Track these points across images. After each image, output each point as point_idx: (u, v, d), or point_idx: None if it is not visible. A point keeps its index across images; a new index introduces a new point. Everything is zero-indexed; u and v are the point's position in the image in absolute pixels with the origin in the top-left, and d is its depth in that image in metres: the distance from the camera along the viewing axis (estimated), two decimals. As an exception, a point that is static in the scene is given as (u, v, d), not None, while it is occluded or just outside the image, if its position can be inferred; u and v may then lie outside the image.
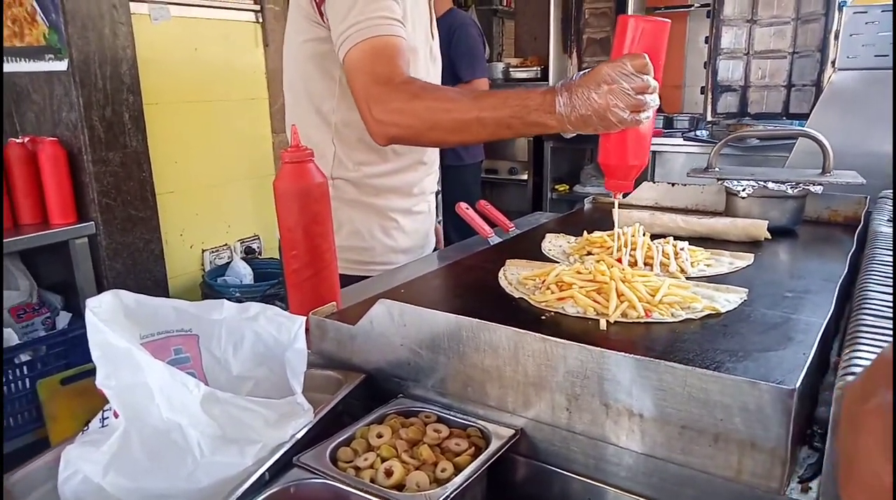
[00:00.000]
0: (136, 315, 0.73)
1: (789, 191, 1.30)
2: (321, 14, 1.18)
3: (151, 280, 2.64)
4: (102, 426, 0.69)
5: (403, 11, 1.19)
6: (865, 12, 1.90)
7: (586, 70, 0.95)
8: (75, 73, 2.31)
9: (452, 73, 3.23)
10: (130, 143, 2.52)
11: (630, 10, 4.28)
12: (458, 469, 0.64)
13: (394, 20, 1.12)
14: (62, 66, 2.33)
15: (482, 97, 1.05)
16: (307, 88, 1.29)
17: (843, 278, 0.92)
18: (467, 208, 1.41)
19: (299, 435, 0.68)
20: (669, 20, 0.95)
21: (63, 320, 2.50)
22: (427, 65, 1.35)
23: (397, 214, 1.39)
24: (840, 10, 3.44)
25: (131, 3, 2.47)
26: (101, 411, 0.72)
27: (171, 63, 2.76)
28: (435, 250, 1.56)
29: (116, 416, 0.67)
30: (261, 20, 3.05)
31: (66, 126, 2.40)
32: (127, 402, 0.64)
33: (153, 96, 2.66)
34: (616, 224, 1.10)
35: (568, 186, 4.57)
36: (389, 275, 1.22)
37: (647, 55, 0.91)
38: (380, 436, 0.69)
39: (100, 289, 2.44)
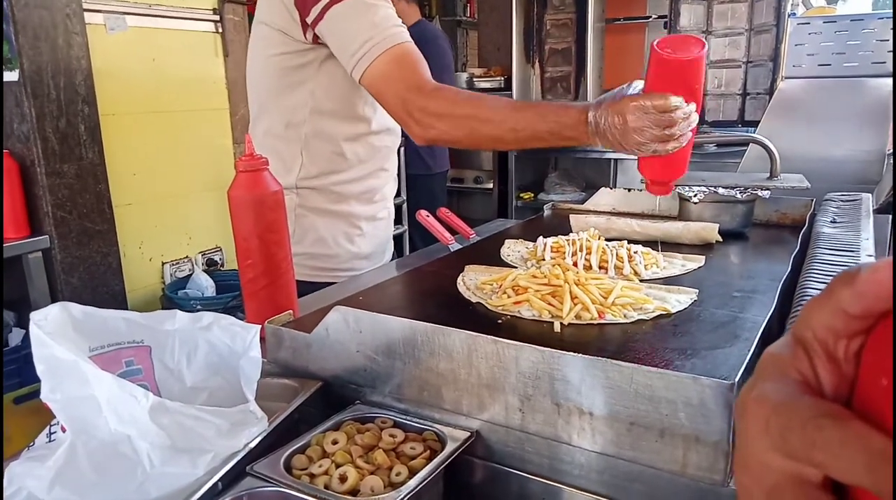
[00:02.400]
0: (84, 328, 0.71)
1: (738, 196, 1.34)
2: (304, 28, 1.18)
3: (109, 294, 2.58)
4: (49, 441, 0.68)
5: None
6: (808, 23, 1.98)
7: (618, 91, 0.99)
8: (27, 83, 2.26)
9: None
10: (86, 154, 2.46)
11: (590, 22, 4.37)
12: (413, 473, 0.64)
13: (401, 27, 1.16)
14: (13, 76, 2.27)
15: (520, 110, 1.08)
16: (277, 101, 1.30)
17: (786, 277, 0.95)
18: (427, 216, 1.42)
19: (253, 444, 0.67)
20: (703, 44, 0.95)
21: (16, 337, 2.42)
22: None
23: (361, 221, 1.40)
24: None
25: (86, 13, 2.42)
26: (48, 426, 0.70)
27: (128, 74, 2.71)
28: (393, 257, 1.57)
29: (64, 430, 0.66)
30: (220, 30, 3.03)
31: (18, 138, 2.34)
32: (73, 415, 0.62)
33: (110, 107, 2.61)
34: (658, 207, 1.19)
35: (532, 194, 4.62)
36: (349, 282, 1.22)
37: (670, 96, 0.93)
38: (335, 442, 0.69)
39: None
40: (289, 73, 1.26)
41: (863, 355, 0.26)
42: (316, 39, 1.20)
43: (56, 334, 0.66)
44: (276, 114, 1.31)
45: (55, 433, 0.69)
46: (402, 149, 3.90)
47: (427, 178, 3.75)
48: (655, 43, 0.97)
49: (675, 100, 0.94)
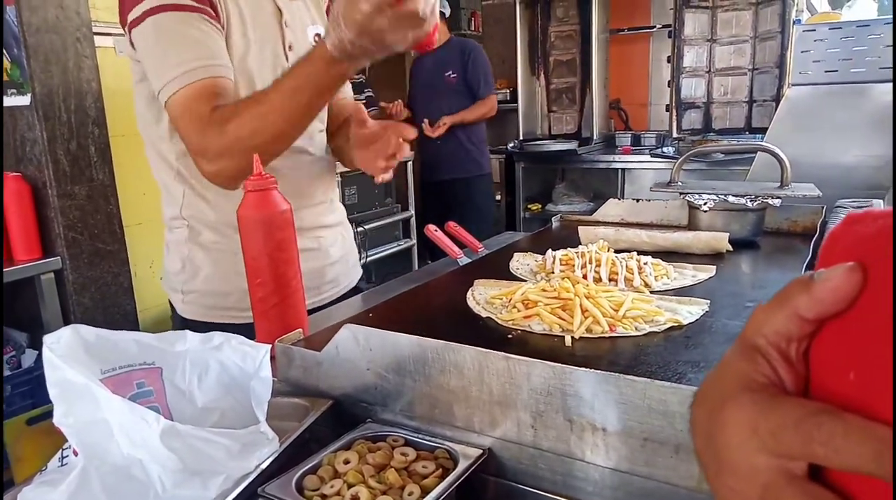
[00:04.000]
0: (96, 350, 0.72)
1: (749, 204, 1.33)
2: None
3: (121, 314, 2.60)
4: (62, 465, 0.68)
5: (246, 48, 1.13)
6: (814, 30, 1.97)
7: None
8: (38, 107, 2.29)
9: (470, 93, 3.81)
10: (97, 175, 2.49)
11: (594, 34, 4.39)
12: (425, 492, 0.64)
13: (197, 60, 1.03)
14: (25, 100, 2.30)
15: (277, 85, 0.99)
16: (145, 130, 1.23)
17: (799, 286, 0.94)
18: (436, 230, 1.42)
19: (264, 465, 0.67)
20: None
21: (29, 358, 2.44)
22: None
23: None
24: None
25: (96, 37, 2.46)
26: (60, 450, 0.70)
27: (137, 95, 2.75)
28: (358, 289, 1.42)
29: (76, 454, 0.66)
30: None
31: (30, 161, 2.37)
32: (85, 439, 0.62)
33: (120, 128, 2.64)
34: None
35: (540, 205, 4.62)
36: (357, 300, 1.21)
37: None
38: (346, 462, 0.69)
39: (67, 325, 2.38)
40: (147, 102, 1.18)
41: (811, 354, 0.30)
42: None
43: (68, 357, 0.66)
44: (148, 143, 1.24)
45: (67, 456, 0.69)
46: (423, 156, 3.91)
47: (478, 179, 3.87)
48: None
49: None
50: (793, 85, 2.00)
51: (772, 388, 0.29)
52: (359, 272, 1.45)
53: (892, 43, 1.90)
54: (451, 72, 3.81)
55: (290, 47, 1.22)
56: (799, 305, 0.29)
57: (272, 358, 0.80)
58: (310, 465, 0.69)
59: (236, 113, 1.00)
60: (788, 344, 0.30)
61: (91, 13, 2.44)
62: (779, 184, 1.54)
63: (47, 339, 0.66)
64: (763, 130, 3.88)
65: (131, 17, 1.05)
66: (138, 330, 0.80)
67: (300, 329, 0.92)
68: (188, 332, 0.77)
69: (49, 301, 2.36)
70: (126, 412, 0.62)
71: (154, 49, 1.05)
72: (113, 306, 2.57)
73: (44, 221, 2.39)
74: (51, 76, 2.32)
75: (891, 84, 1.89)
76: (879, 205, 1.42)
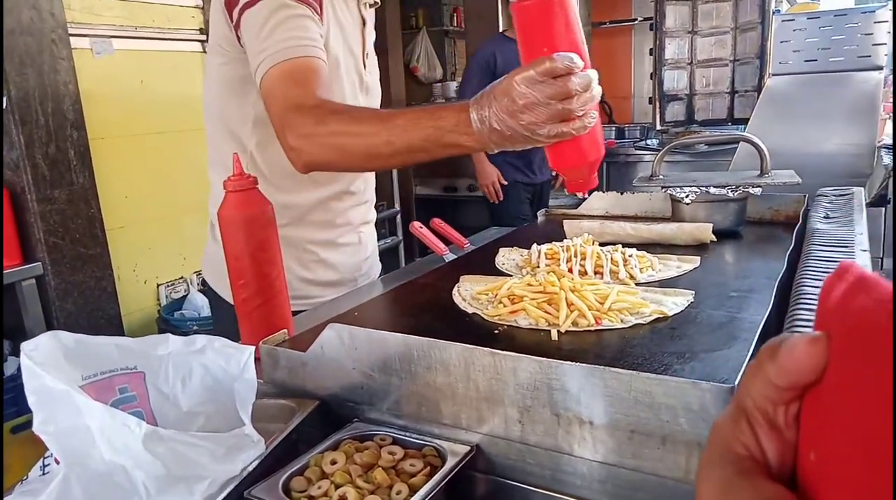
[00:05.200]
0: (76, 356, 0.71)
1: (730, 194, 1.34)
2: (238, 38, 1.13)
3: (105, 318, 2.57)
4: (43, 474, 0.67)
5: (325, 40, 1.13)
6: (793, 20, 1.99)
7: (500, 80, 0.81)
8: (14, 110, 2.25)
9: None
10: (77, 179, 2.46)
11: (575, 26, 4.39)
12: (413, 490, 0.63)
13: (308, 40, 1.05)
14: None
15: (391, 118, 0.93)
16: (223, 114, 1.25)
17: (782, 275, 0.95)
18: (421, 227, 1.41)
19: (250, 468, 0.66)
20: None
21: (11, 365, 2.40)
22: (356, 97, 1.28)
23: (316, 247, 1.31)
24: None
25: (72, 38, 2.42)
26: (41, 459, 0.69)
27: (116, 97, 2.71)
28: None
29: (57, 462, 0.65)
30: (206, 50, 3.03)
31: (7, 165, 2.33)
32: (66, 447, 0.61)
33: (99, 131, 2.61)
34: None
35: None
36: (343, 299, 1.21)
37: (558, 56, 0.76)
38: (334, 462, 0.68)
39: (50, 330, 2.35)
40: (232, 85, 1.20)
41: (800, 421, 0.27)
42: None
43: (47, 365, 0.65)
44: (223, 128, 1.25)
45: (49, 465, 0.68)
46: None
47: (529, 187, 3.57)
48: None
49: (562, 59, 0.76)
50: (773, 75, 2.01)
51: (745, 462, 0.28)
52: (380, 266, 1.52)
53: (872, 31, 1.92)
54: None
55: (367, 55, 1.30)
56: (769, 372, 0.27)
57: (257, 360, 0.80)
58: (297, 466, 0.68)
59: (341, 118, 0.98)
60: (775, 408, 0.28)
61: (66, 14, 2.40)
62: (759, 172, 1.56)
63: (25, 346, 0.65)
64: (746, 121, 3.91)
65: None
66: (123, 334, 0.79)
67: (285, 330, 0.91)
68: (170, 335, 0.76)
69: (31, 308, 2.33)
70: (107, 418, 0.62)
71: (263, 27, 1.05)
72: (97, 310, 2.55)
73: (23, 226, 2.35)
74: (26, 79, 2.28)
75: (869, 73, 1.91)
76: (860, 192, 1.43)
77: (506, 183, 3.39)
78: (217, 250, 1.30)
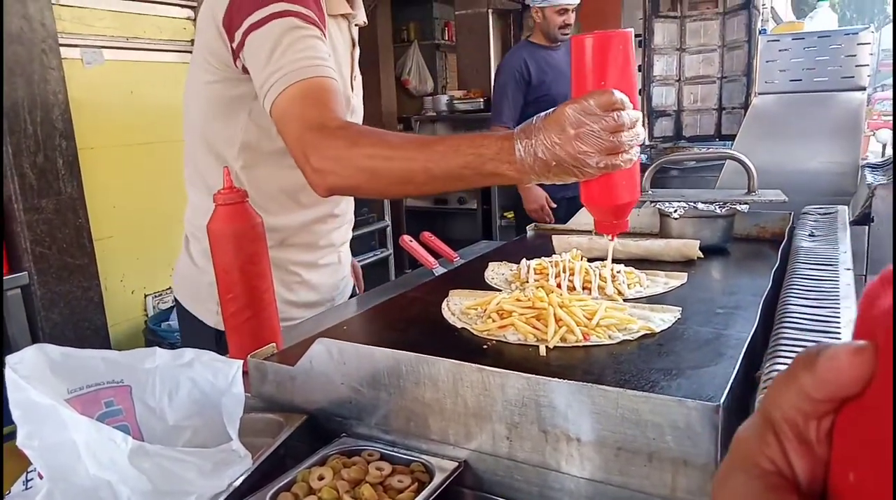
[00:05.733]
0: (62, 369, 0.70)
1: (718, 211, 1.36)
2: (235, 58, 1.09)
3: (91, 329, 2.54)
4: (26, 489, 0.66)
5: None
6: (778, 40, 2.02)
7: (548, 111, 0.81)
8: (3, 120, 2.24)
9: None
10: (65, 189, 2.44)
11: (566, 42, 4.44)
12: (400, 507, 0.63)
13: (322, 60, 1.03)
14: (-11, 112, 2.25)
15: (430, 144, 0.90)
16: (206, 133, 1.21)
17: (767, 292, 0.96)
18: (411, 241, 1.42)
19: (237, 483, 0.66)
20: (630, 29, 0.83)
21: (-5, 376, 2.37)
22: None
23: (300, 268, 1.28)
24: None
25: (62, 48, 2.42)
26: (24, 473, 0.69)
27: (106, 107, 2.70)
28: (354, 295, 1.48)
29: (41, 477, 0.64)
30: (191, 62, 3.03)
31: (-5, 174, 2.32)
32: (51, 462, 0.61)
33: (88, 141, 2.60)
34: (609, 259, 1.02)
35: (515, 213, 4.64)
36: (331, 313, 1.21)
37: (616, 91, 0.78)
38: (321, 478, 0.68)
39: (35, 341, 2.32)
40: (220, 105, 1.17)
41: (833, 436, 0.25)
42: (246, 69, 1.08)
43: (32, 378, 0.64)
44: (205, 147, 1.21)
45: (32, 479, 0.68)
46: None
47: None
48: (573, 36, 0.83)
49: (619, 94, 0.78)
50: (759, 94, 2.05)
51: (772, 477, 0.26)
52: (352, 283, 1.50)
53: (855, 53, 1.95)
54: None
55: (355, 77, 1.29)
56: (804, 383, 0.25)
57: (245, 373, 0.79)
58: (284, 482, 0.68)
59: (374, 141, 0.95)
60: (806, 422, 0.26)
61: (57, 24, 2.40)
62: (746, 190, 1.58)
63: (10, 359, 0.64)
64: (733, 137, 3.95)
65: (253, 19, 1.03)
66: (110, 345, 0.79)
67: (273, 344, 0.91)
68: (157, 348, 0.76)
69: (16, 318, 2.30)
70: (93, 433, 0.61)
71: (275, 48, 1.02)
72: (83, 321, 2.52)
73: (10, 235, 2.33)
74: (15, 88, 2.27)
75: (852, 93, 1.94)
76: (844, 211, 1.45)
77: (555, 205, 3.26)
78: (192, 267, 1.29)
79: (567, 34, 2.96)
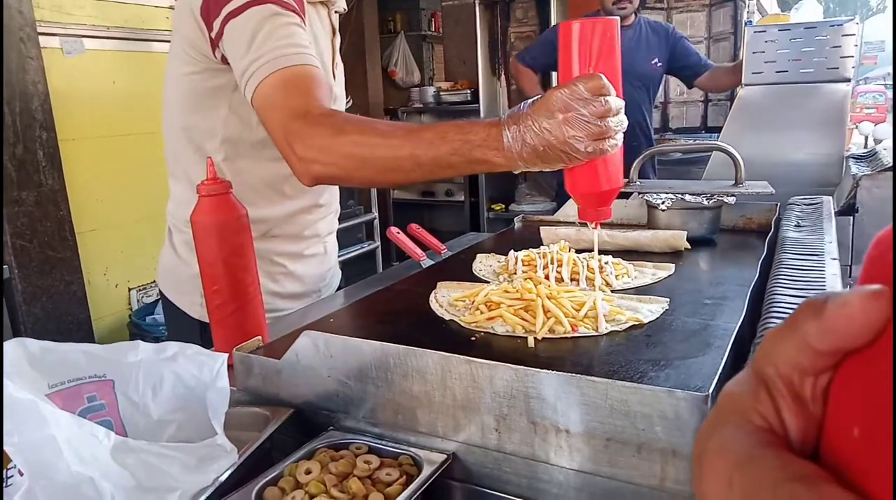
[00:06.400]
0: (42, 364, 0.69)
1: (705, 202, 1.36)
2: (214, 48, 1.07)
3: (74, 323, 2.52)
4: (6, 486, 0.65)
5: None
6: (765, 31, 2.03)
7: (535, 97, 0.82)
8: (-16, 111, 2.20)
9: (694, 72, 3.02)
10: (46, 181, 2.40)
11: (553, 33, 4.43)
12: (389, 500, 0.63)
13: (303, 48, 1.02)
14: (-33, 103, 2.21)
15: (417, 131, 0.90)
16: (187, 126, 1.19)
17: (754, 282, 0.96)
18: (398, 233, 1.41)
19: (223, 478, 0.65)
20: (616, 18, 0.83)
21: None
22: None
23: (284, 259, 1.27)
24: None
25: (41, 37, 2.38)
26: (3, 470, 0.67)
27: (87, 97, 2.66)
28: (341, 287, 1.47)
29: (21, 474, 0.63)
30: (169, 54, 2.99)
31: (-27, 166, 2.27)
32: (31, 458, 0.60)
33: (70, 132, 2.56)
34: (595, 248, 1.02)
35: (503, 205, 4.64)
36: (318, 305, 1.20)
37: (603, 75, 0.78)
38: (308, 472, 0.67)
39: (16, 336, 2.30)
40: (199, 96, 1.15)
41: (830, 394, 0.24)
42: (225, 59, 1.06)
43: (12, 373, 0.63)
44: (185, 139, 1.19)
45: (12, 476, 0.66)
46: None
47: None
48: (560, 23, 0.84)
49: (605, 80, 0.78)
50: (746, 85, 2.05)
51: (765, 434, 0.25)
52: (340, 274, 1.49)
53: (840, 44, 1.96)
54: (656, 59, 3.01)
55: (336, 65, 1.27)
56: (808, 333, 0.23)
57: (230, 367, 0.78)
58: (270, 476, 0.67)
59: (360, 128, 0.94)
60: (802, 378, 0.24)
61: (35, 13, 2.36)
62: (733, 182, 1.58)
63: (-12, 354, 0.63)
64: (718, 129, 3.98)
65: (231, 7, 1.02)
66: (93, 339, 0.77)
67: (259, 337, 0.90)
68: (140, 342, 0.75)
69: (-4, 312, 2.27)
70: (75, 428, 0.60)
71: (255, 36, 1.00)
72: (66, 315, 2.49)
73: (-11, 228, 2.29)
74: (-6, 78, 2.23)
75: (837, 84, 1.95)
76: (829, 201, 1.46)
77: None
78: (175, 259, 1.28)
79: (624, 9, 2.90)
